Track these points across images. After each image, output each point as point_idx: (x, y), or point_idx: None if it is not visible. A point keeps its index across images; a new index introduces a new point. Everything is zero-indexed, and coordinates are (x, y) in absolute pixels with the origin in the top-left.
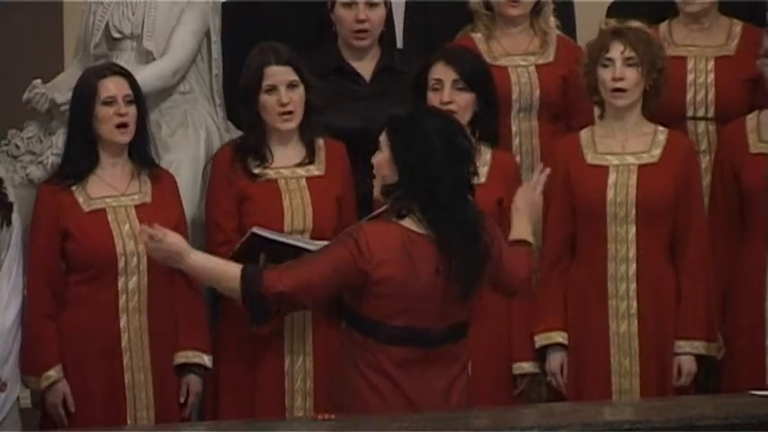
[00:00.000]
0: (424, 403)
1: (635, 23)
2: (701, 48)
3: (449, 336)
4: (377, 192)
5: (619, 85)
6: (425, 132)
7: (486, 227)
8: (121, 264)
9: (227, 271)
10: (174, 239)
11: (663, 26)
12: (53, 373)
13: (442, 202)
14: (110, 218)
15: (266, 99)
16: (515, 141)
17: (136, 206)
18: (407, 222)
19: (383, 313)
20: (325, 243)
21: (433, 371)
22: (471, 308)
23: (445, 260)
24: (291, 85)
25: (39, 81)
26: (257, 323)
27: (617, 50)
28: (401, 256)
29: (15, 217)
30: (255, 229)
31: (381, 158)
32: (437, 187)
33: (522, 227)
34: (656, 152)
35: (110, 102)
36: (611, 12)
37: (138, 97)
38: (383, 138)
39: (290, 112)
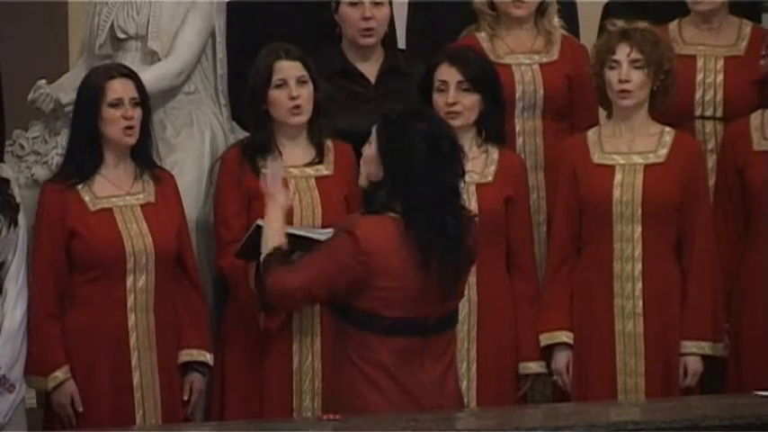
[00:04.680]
0: (420, 394)
1: (642, 24)
2: (711, 47)
3: (443, 324)
4: (362, 182)
5: (625, 86)
6: (412, 136)
7: (472, 232)
8: (130, 263)
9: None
10: (285, 200)
11: (673, 25)
12: (60, 374)
13: (422, 207)
14: (117, 217)
15: (276, 94)
16: (519, 140)
17: (141, 205)
18: (395, 214)
19: (381, 305)
20: (330, 231)
21: (430, 360)
22: (460, 297)
23: (424, 262)
24: (301, 81)
25: (43, 81)
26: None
27: (623, 52)
28: (397, 247)
29: (21, 218)
30: (260, 222)
31: (369, 153)
32: (417, 192)
33: None
34: (663, 152)
35: (116, 103)
36: (607, 12)
37: (144, 99)
38: (374, 133)
39: (299, 107)
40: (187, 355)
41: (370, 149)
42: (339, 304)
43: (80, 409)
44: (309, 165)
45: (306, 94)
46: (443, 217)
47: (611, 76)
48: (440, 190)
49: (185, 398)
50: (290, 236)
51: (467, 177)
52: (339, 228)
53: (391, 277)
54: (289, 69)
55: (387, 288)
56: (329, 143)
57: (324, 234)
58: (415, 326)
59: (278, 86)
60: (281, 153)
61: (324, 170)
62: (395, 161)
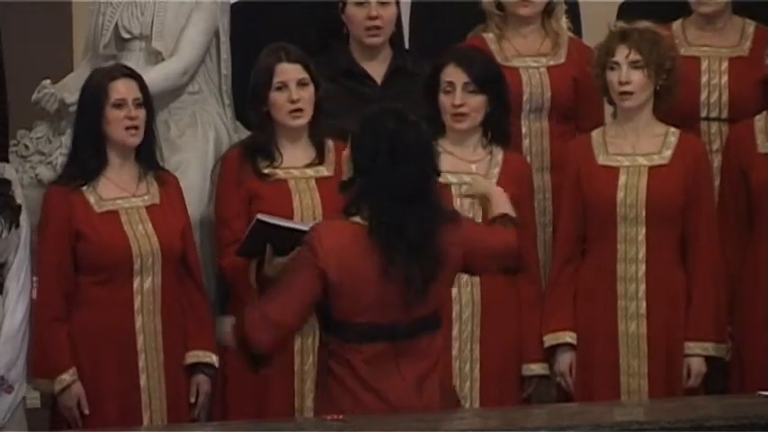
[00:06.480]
0: (396, 398)
1: (642, 24)
2: (715, 48)
3: (416, 329)
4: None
5: (625, 88)
6: (376, 134)
7: (446, 233)
8: (137, 264)
9: None
10: None
11: (676, 25)
12: (67, 376)
13: (382, 208)
14: (123, 219)
15: (276, 96)
16: (525, 142)
17: (146, 207)
18: (360, 219)
19: (346, 311)
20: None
21: (406, 364)
22: (435, 301)
23: (385, 267)
24: (301, 83)
25: (48, 81)
26: (258, 367)
27: (622, 54)
28: (355, 252)
29: (24, 218)
30: (260, 216)
31: (345, 154)
32: (379, 192)
33: (500, 204)
34: (667, 154)
35: (119, 104)
36: (622, 12)
37: (147, 99)
38: (351, 134)
39: (300, 110)
40: (193, 356)
41: (347, 150)
42: (316, 310)
43: (86, 412)
44: (310, 166)
45: (306, 96)
46: (404, 219)
47: (612, 77)
48: (401, 190)
49: (192, 400)
50: (270, 226)
51: (470, 179)
52: (303, 241)
53: (350, 283)
54: (289, 72)
55: (346, 294)
56: (330, 143)
57: (305, 225)
58: (384, 331)
59: (278, 89)
60: (281, 154)
61: (324, 171)
62: (361, 159)
